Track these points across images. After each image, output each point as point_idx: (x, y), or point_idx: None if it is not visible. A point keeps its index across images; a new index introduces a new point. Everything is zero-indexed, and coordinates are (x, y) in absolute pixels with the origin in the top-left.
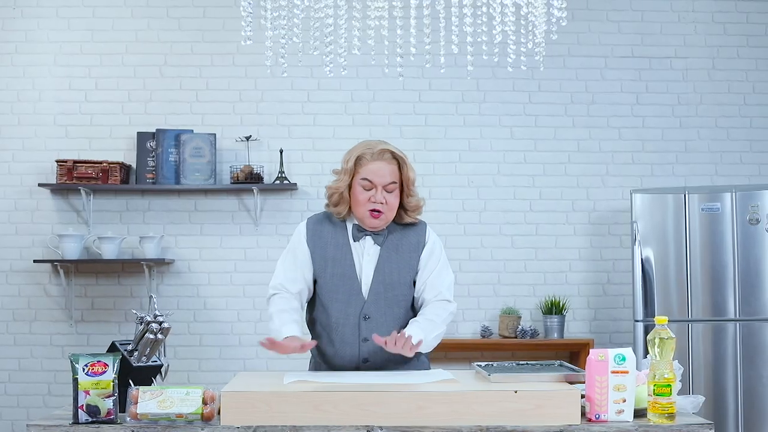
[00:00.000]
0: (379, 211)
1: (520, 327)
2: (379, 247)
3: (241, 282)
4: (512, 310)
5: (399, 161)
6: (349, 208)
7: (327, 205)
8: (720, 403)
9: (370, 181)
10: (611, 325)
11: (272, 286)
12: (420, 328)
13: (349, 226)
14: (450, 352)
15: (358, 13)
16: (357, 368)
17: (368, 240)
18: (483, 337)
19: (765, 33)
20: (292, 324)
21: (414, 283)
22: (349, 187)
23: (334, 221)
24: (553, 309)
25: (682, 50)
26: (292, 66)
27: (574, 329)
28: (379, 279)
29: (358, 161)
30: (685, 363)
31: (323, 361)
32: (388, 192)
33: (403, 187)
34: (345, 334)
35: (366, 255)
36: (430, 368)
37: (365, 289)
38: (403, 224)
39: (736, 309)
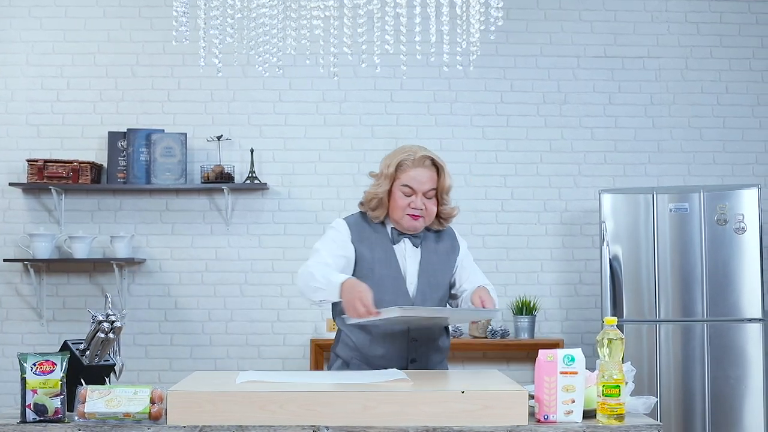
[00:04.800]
0: (417, 216)
1: (490, 327)
2: (419, 249)
3: (212, 282)
4: None
5: (438, 168)
6: (387, 212)
7: (361, 204)
8: (688, 403)
9: (410, 188)
10: (582, 325)
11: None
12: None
13: (388, 228)
14: None
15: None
16: (405, 368)
17: (407, 242)
18: (454, 336)
19: (738, 33)
20: (334, 270)
21: (450, 285)
22: (388, 192)
23: (371, 223)
24: (524, 309)
25: (655, 50)
26: (263, 65)
27: (546, 329)
28: (424, 280)
29: (399, 167)
30: (653, 364)
31: (364, 362)
32: (427, 198)
33: (438, 194)
34: (394, 336)
35: (408, 257)
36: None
37: (411, 289)
38: (434, 231)
39: (704, 310)
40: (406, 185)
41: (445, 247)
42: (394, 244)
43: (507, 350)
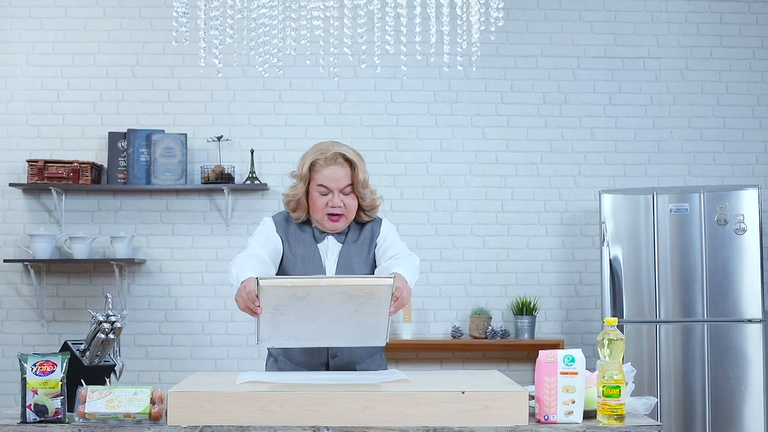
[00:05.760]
0: (337, 215)
1: (490, 327)
2: (341, 245)
3: (213, 282)
4: (483, 311)
5: (351, 164)
6: (308, 211)
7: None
8: (688, 404)
9: (326, 187)
10: (583, 326)
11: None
12: (400, 265)
13: (312, 227)
14: (421, 353)
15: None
16: (326, 363)
17: (330, 239)
18: (454, 337)
19: (738, 33)
20: (248, 269)
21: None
22: (306, 193)
23: (296, 222)
24: (524, 310)
25: (656, 50)
26: (263, 66)
27: (546, 330)
28: (341, 274)
29: (313, 167)
30: (653, 364)
31: (288, 359)
32: (345, 195)
33: (355, 189)
34: None
35: (329, 254)
36: (387, 367)
37: None
38: (362, 222)
39: (704, 310)
40: (321, 185)
41: (365, 235)
42: (318, 242)
43: (507, 351)
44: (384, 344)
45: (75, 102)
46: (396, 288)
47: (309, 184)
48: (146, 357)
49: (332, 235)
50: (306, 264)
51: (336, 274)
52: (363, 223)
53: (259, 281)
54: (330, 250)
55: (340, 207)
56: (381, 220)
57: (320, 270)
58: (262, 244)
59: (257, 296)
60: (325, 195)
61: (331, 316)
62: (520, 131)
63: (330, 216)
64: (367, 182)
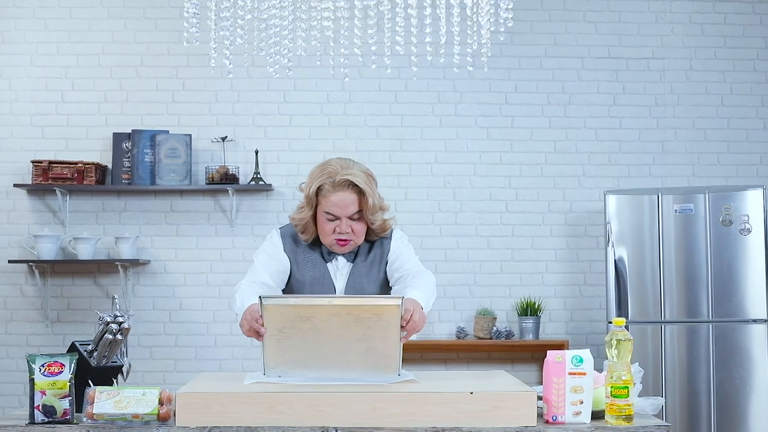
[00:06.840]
0: (345, 240)
1: (494, 328)
2: (350, 264)
3: (217, 282)
4: (487, 311)
5: (359, 190)
6: (316, 233)
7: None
8: (693, 404)
9: (333, 214)
10: (587, 326)
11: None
12: (416, 287)
13: (321, 246)
14: (425, 353)
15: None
16: None
17: (340, 259)
18: (458, 338)
19: (742, 34)
20: (252, 296)
21: (388, 282)
22: (313, 216)
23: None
24: (528, 310)
25: (660, 51)
26: (273, 66)
27: (551, 330)
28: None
29: (320, 192)
30: (658, 364)
31: None
32: (353, 220)
33: (364, 215)
34: None
35: (339, 275)
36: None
37: None
38: (372, 240)
39: (709, 311)
40: (328, 212)
41: (375, 253)
42: (328, 262)
43: (512, 351)
44: (396, 379)
45: (79, 102)
46: (405, 310)
47: (316, 207)
48: (151, 357)
49: (342, 254)
50: (315, 286)
51: (345, 294)
52: (373, 240)
53: (262, 299)
54: (339, 270)
55: (348, 233)
56: (391, 232)
57: (331, 292)
58: (267, 266)
59: (261, 316)
60: (333, 221)
61: (338, 340)
62: (525, 132)
63: (339, 241)
64: (377, 207)
